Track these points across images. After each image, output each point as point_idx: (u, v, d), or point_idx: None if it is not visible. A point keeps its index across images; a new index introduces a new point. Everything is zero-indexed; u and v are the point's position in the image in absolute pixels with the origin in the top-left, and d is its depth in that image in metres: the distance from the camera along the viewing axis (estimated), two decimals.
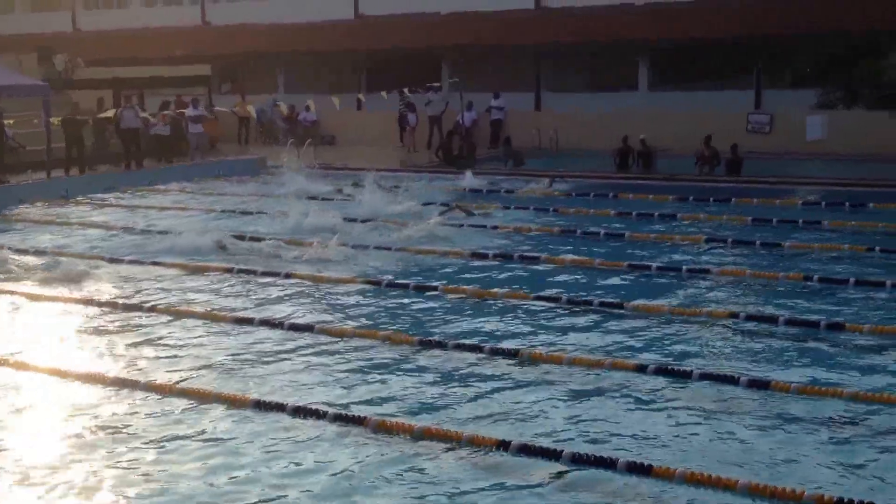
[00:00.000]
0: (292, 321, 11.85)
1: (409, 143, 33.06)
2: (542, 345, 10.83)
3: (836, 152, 28.06)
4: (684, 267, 14.55)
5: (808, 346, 10.73)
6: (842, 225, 18.04)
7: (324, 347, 10.87)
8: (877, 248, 15.60)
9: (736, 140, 26.55)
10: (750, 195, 21.50)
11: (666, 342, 10.93)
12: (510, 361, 10.21)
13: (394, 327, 11.67)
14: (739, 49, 32.84)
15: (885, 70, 30.09)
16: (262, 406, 8.91)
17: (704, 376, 9.50)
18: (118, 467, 7.87)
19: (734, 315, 11.70)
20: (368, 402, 9.14)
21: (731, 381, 9.37)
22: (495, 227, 18.20)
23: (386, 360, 10.42)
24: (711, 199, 21.36)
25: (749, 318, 11.60)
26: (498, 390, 9.43)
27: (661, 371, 9.68)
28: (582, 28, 33.52)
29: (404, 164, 29.47)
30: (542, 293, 13.06)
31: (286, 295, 13.38)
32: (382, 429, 8.35)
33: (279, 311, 12.42)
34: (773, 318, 11.57)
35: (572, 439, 8.21)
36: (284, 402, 8.94)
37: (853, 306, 12.35)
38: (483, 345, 10.67)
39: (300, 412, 8.74)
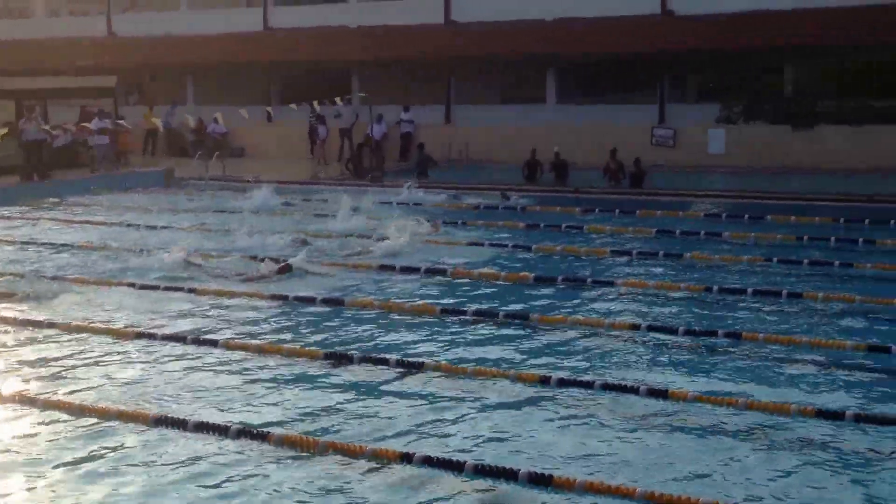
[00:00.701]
0: (195, 336, 11.76)
1: (319, 156, 33.04)
2: (447, 357, 10.92)
3: (737, 166, 28.77)
4: (589, 279, 14.78)
5: (706, 355, 10.99)
6: (742, 236, 18.48)
7: (228, 363, 10.82)
8: (774, 259, 16.02)
9: (641, 153, 27.06)
10: (654, 207, 21.90)
11: (569, 353, 11.10)
12: (415, 374, 10.28)
13: (300, 341, 11.67)
14: (645, 64, 33.40)
15: (786, 85, 30.83)
16: (163, 422, 8.85)
17: (606, 387, 9.67)
18: (19, 488, 7.78)
19: (636, 326, 11.93)
20: (273, 418, 9.13)
21: (632, 390, 9.56)
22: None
23: (291, 375, 10.41)
24: (617, 211, 21.72)
25: (650, 328, 11.84)
26: (402, 403, 9.49)
27: (565, 382, 9.83)
28: (491, 42, 33.81)
29: (315, 177, 29.43)
30: (448, 306, 13.16)
31: (190, 310, 13.28)
32: (286, 444, 8.36)
33: (182, 327, 12.32)
34: (674, 328, 11.82)
35: (475, 451, 8.30)
36: (186, 419, 8.90)
37: (751, 316, 12.68)
38: (389, 357, 10.72)
39: (202, 428, 8.70)
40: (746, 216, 20.56)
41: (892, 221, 19.34)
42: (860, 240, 17.73)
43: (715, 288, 13.97)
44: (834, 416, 8.80)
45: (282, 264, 15.34)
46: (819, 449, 8.26)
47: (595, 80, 35.44)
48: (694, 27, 31.33)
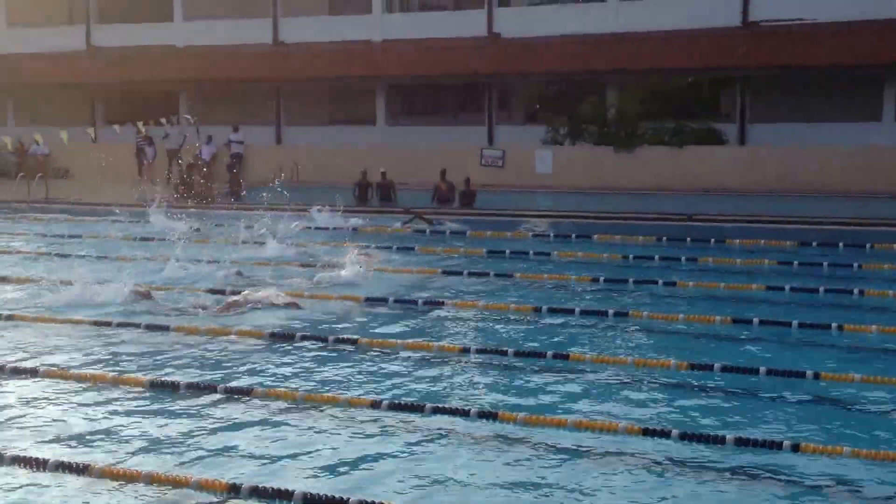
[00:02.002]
0: (14, 365, 11.25)
1: (147, 177, 32.29)
2: (278, 382, 10.73)
3: (564, 186, 29.39)
4: (420, 300, 14.78)
5: (535, 376, 11.08)
6: (570, 256, 18.82)
7: (48, 391, 10.38)
8: (601, 279, 16.36)
9: (471, 174, 27.36)
10: (484, 228, 22.13)
11: (399, 376, 11.04)
12: (244, 400, 10.05)
13: (121, 368, 11.29)
14: (474, 86, 33.91)
15: (608, 108, 31.67)
16: None
17: (436, 410, 9.64)
18: None
19: (466, 349, 11.95)
20: (93, 448, 8.79)
21: (463, 413, 9.55)
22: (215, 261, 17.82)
23: (111, 403, 10.05)
24: (448, 231, 21.87)
25: (479, 350, 11.88)
26: (233, 431, 9.27)
27: (394, 406, 9.76)
28: (320, 64, 33.79)
29: (143, 199, 28.65)
30: (277, 330, 12.95)
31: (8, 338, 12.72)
32: (107, 476, 8.03)
33: None
34: (503, 350, 11.89)
35: (308, 480, 8.15)
36: (2, 451, 8.48)
37: (579, 336, 12.89)
38: (216, 384, 10.46)
39: (19, 461, 8.30)
40: (573, 235, 20.97)
41: (713, 240, 20.04)
42: (682, 258, 18.28)
43: (544, 308, 14.14)
44: (661, 433, 8.97)
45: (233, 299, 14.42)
46: (644, 468, 8.41)
47: (425, 101, 35.75)
48: (520, 50, 31.99)
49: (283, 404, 9.97)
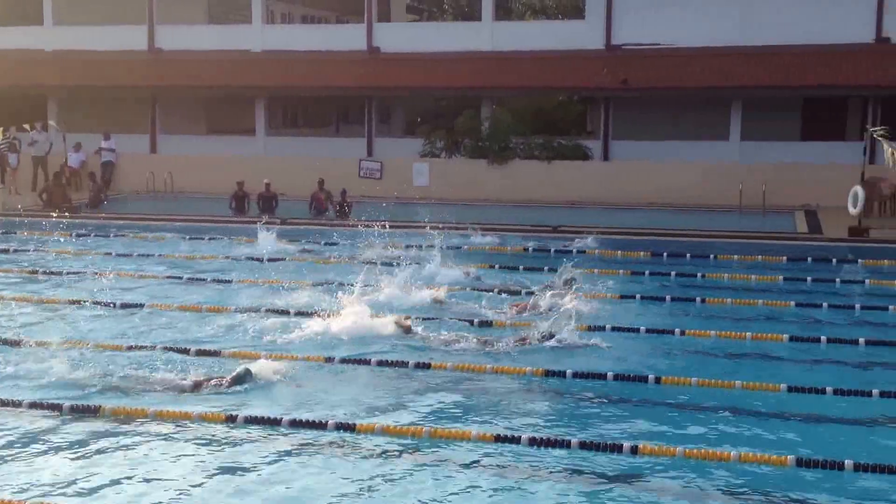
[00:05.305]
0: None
1: (11, 185, 31.50)
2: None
3: (440, 197, 29.72)
4: (263, 308, 15.01)
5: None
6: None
7: None
8: (469, 288, 16.72)
9: (349, 185, 27.58)
10: (358, 237, 22.27)
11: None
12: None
13: None
14: (355, 99, 34.23)
15: (482, 123, 32.23)
16: None
17: (294, 423, 9.81)
18: None
19: (330, 359, 12.14)
20: None
21: (320, 426, 9.77)
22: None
23: None
24: (323, 242, 21.91)
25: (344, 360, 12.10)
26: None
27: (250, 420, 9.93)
28: (198, 72, 33.61)
29: (6, 208, 28.03)
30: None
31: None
32: None
33: None
34: (367, 360, 12.16)
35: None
36: None
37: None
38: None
39: None
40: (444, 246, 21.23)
41: (575, 251, 20.59)
42: (545, 268, 18.75)
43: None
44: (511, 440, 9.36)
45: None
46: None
47: (305, 114, 35.83)
48: (399, 65, 32.48)
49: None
